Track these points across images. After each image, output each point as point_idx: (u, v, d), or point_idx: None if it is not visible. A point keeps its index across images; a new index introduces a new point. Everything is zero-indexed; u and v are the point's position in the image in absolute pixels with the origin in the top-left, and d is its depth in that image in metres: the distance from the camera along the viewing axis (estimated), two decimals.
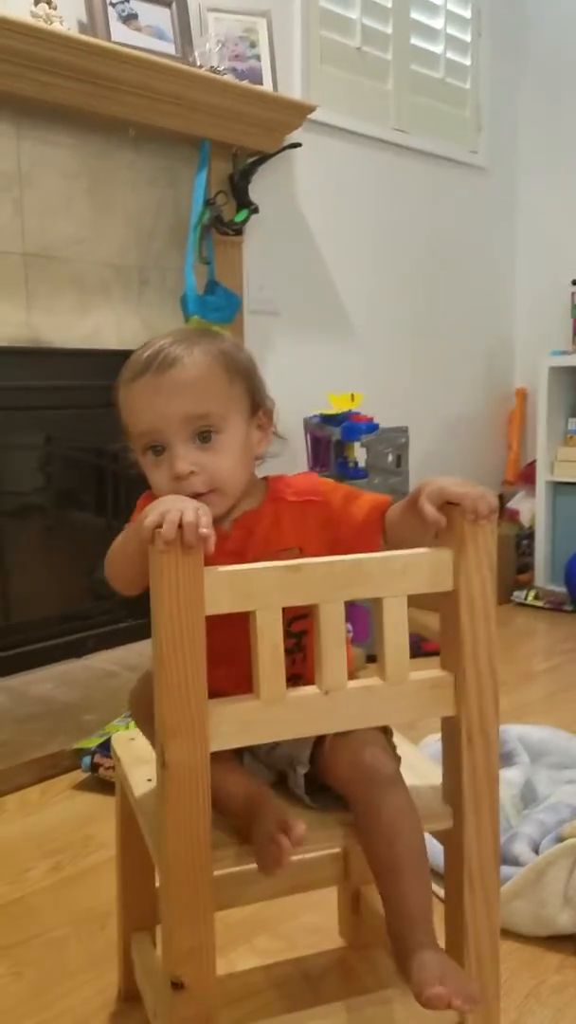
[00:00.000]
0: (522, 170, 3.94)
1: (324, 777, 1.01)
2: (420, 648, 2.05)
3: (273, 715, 0.92)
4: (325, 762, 1.00)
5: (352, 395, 2.74)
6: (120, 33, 2.42)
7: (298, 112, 2.75)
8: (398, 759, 1.03)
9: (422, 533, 0.97)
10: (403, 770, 1.04)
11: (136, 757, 1.16)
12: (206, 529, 0.86)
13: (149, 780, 1.07)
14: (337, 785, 1.00)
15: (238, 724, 0.91)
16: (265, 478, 1.09)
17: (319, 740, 1.01)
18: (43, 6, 2.22)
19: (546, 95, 3.83)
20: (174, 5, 2.56)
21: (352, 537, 1.02)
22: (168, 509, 0.86)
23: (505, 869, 1.32)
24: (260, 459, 1.07)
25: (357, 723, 0.96)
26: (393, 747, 1.06)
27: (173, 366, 0.98)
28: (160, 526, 0.85)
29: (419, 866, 0.96)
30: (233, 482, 1.01)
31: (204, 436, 0.99)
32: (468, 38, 3.65)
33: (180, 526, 0.85)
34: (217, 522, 1.01)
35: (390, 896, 0.95)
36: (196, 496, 0.97)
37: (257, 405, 1.06)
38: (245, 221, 2.71)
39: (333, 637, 0.93)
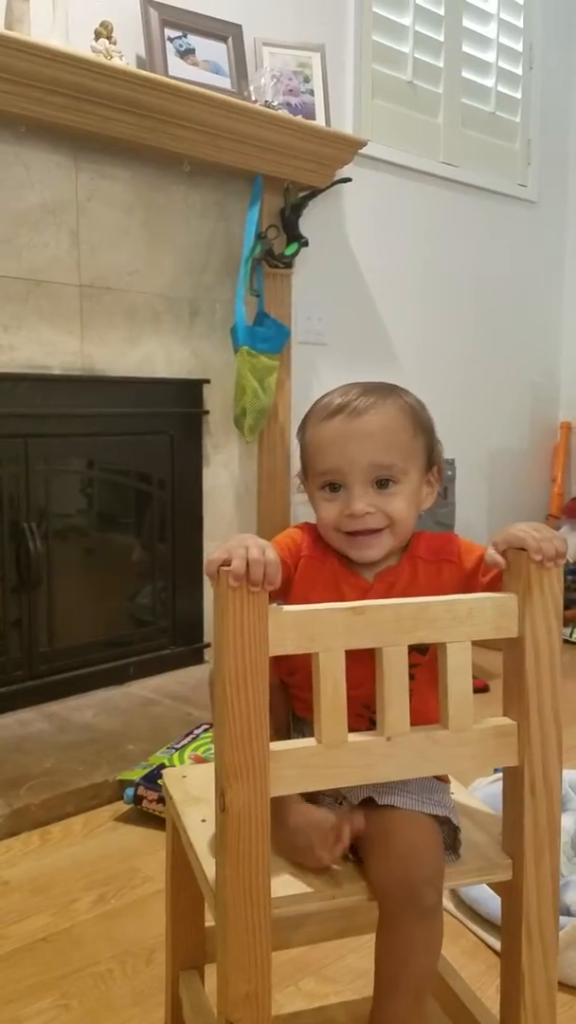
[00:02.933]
0: (571, 204, 3.94)
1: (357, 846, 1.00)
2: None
3: (334, 760, 0.90)
4: (365, 845, 0.98)
5: None
6: (177, 68, 2.46)
7: (350, 147, 2.77)
8: (441, 839, 1.00)
9: None
10: (460, 817, 1.03)
11: (188, 796, 1.14)
12: (271, 584, 0.86)
13: (203, 820, 1.06)
14: (371, 883, 0.96)
15: (299, 768, 0.90)
16: None
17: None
18: (103, 41, 2.27)
19: None
20: (230, 40, 2.60)
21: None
22: (235, 546, 0.87)
23: None
24: (423, 513, 1.09)
25: (419, 771, 0.95)
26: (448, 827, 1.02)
27: (366, 414, 1.03)
28: (226, 563, 0.85)
29: (420, 992, 0.98)
30: (403, 524, 1.04)
31: (382, 483, 1.03)
32: (519, 71, 3.66)
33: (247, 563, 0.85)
34: (362, 572, 1.05)
35: (382, 1008, 0.98)
36: (371, 532, 1.02)
37: (432, 462, 1.09)
38: (295, 255, 2.72)
39: (397, 682, 0.92)
